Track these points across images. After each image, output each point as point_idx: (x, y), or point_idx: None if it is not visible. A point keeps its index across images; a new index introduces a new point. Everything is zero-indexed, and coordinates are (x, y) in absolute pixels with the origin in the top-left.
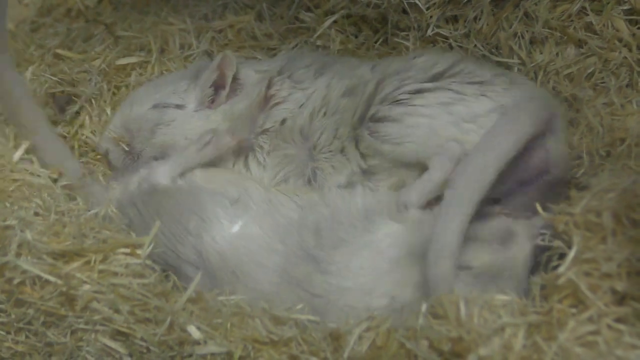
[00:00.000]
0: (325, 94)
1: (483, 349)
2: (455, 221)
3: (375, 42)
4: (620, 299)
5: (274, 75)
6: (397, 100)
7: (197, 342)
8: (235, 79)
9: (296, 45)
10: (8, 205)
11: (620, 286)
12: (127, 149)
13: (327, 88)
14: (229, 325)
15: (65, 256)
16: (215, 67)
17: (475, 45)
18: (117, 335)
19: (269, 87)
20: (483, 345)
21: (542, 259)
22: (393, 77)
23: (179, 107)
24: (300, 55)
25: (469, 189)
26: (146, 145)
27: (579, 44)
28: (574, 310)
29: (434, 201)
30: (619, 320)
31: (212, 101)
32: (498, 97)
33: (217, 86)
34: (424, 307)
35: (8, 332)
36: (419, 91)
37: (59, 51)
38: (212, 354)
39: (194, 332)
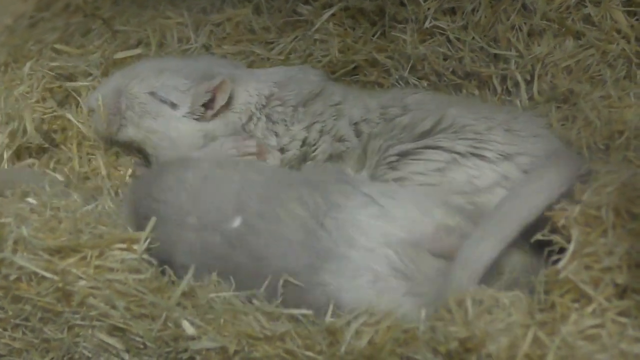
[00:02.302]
0: (305, 149)
1: (491, 347)
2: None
3: (373, 35)
4: (622, 292)
5: (254, 111)
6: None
7: (191, 338)
8: (228, 100)
9: (295, 38)
10: (4, 201)
11: (621, 279)
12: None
13: (304, 143)
14: (222, 321)
15: (61, 252)
16: (210, 90)
17: (473, 38)
18: (114, 330)
19: (247, 121)
20: (490, 343)
21: (543, 254)
22: (378, 141)
23: (173, 106)
24: (292, 80)
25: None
26: (130, 125)
27: (577, 35)
28: (576, 305)
29: None
30: (621, 313)
31: (200, 116)
32: (498, 161)
33: (208, 104)
34: (423, 314)
35: (5, 329)
36: (405, 154)
37: (57, 46)
38: (207, 349)
39: (187, 327)
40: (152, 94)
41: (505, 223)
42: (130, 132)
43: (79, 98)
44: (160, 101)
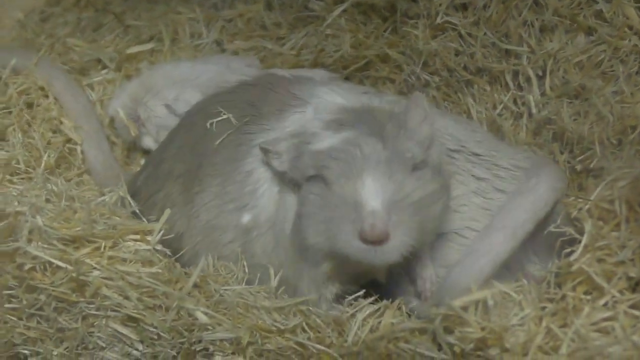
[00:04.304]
0: None
1: (509, 341)
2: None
3: (385, 31)
4: (635, 285)
5: None
6: None
7: (206, 328)
8: None
9: (306, 34)
10: (19, 190)
11: (634, 272)
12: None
13: None
14: (235, 312)
15: (75, 242)
16: None
17: (485, 33)
18: (128, 321)
19: None
20: (509, 338)
21: (556, 246)
22: None
23: None
24: None
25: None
26: (149, 136)
27: (589, 31)
28: (588, 297)
29: None
30: (633, 306)
31: None
32: None
33: None
34: (437, 321)
35: (20, 318)
36: None
37: (69, 40)
38: (221, 340)
39: (201, 317)
40: (167, 106)
41: (511, 224)
42: (149, 143)
43: (92, 92)
44: (175, 115)
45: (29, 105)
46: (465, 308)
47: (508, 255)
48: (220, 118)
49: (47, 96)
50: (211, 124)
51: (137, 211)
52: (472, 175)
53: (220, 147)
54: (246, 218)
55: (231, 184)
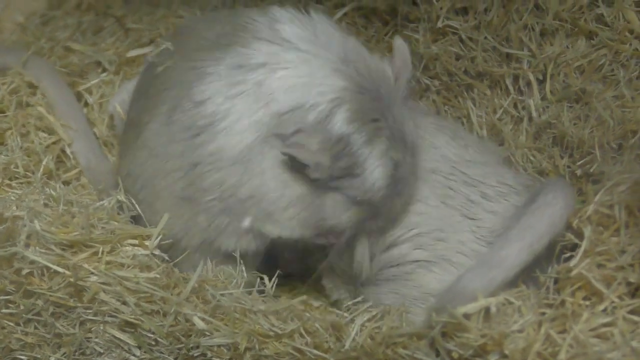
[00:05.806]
0: None
1: (508, 348)
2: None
3: (385, 35)
4: (634, 290)
5: None
6: None
7: (204, 334)
8: None
9: None
10: (18, 195)
11: (633, 278)
12: None
13: None
14: (233, 317)
15: (73, 247)
16: None
17: (486, 37)
18: (126, 326)
19: None
20: (508, 344)
21: (555, 252)
22: None
23: None
24: None
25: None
26: None
27: (590, 35)
28: (587, 303)
29: None
30: (633, 312)
31: None
32: None
33: None
34: (437, 328)
35: (17, 324)
36: None
37: (70, 44)
38: (219, 346)
39: (199, 323)
40: None
41: (529, 237)
42: None
43: (89, 96)
44: None
45: (19, 105)
46: (467, 316)
47: (521, 268)
48: (160, 48)
49: (34, 94)
50: (152, 56)
51: (138, 209)
52: (463, 197)
53: (164, 71)
54: (198, 151)
55: (179, 112)
